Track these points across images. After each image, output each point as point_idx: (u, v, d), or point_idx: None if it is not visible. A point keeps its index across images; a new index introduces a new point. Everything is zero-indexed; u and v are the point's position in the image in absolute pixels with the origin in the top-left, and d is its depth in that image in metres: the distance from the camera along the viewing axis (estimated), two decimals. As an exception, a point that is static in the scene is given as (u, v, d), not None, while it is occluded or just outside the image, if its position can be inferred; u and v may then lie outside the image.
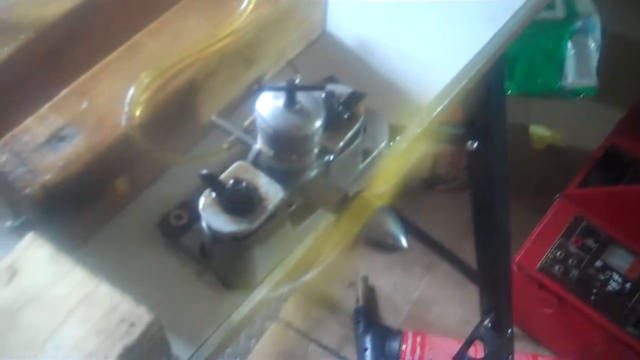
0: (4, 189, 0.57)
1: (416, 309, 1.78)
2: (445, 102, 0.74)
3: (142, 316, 0.49)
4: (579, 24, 1.77)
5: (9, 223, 0.59)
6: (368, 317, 1.70)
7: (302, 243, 0.64)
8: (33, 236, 0.52)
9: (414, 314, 1.77)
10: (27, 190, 0.53)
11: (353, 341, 1.69)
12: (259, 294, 0.62)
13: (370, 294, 1.77)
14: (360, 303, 1.72)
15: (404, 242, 0.59)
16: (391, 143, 0.69)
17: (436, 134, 0.79)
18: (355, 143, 0.63)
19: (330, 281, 1.74)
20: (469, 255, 1.46)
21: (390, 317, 1.76)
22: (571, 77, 1.79)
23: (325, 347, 1.70)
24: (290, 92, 0.54)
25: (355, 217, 0.58)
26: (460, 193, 1.86)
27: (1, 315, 0.49)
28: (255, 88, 0.55)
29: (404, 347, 1.62)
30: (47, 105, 0.57)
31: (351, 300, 1.75)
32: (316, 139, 0.57)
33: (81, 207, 0.59)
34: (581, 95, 1.86)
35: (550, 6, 1.73)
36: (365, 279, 1.77)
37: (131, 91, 0.57)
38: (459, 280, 1.70)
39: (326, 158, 0.60)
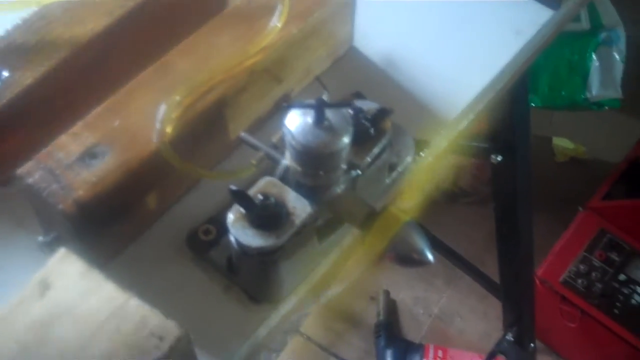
0: (37, 205, 0.58)
1: (437, 322, 1.77)
2: (471, 117, 0.74)
3: (171, 330, 0.49)
4: (603, 35, 1.75)
5: (40, 238, 0.60)
6: (389, 331, 1.69)
7: (327, 257, 0.65)
8: (65, 251, 0.52)
9: (436, 327, 1.76)
10: (60, 206, 0.54)
11: (374, 355, 1.68)
12: (285, 308, 0.62)
13: (391, 308, 1.76)
14: (382, 317, 1.71)
15: (430, 256, 0.59)
16: (416, 157, 0.69)
17: (460, 147, 0.79)
18: (382, 158, 0.63)
19: (351, 295, 1.73)
20: (491, 268, 1.45)
21: (411, 331, 1.75)
22: (595, 89, 1.77)
23: (345, 361, 1.70)
24: (320, 109, 0.54)
25: (382, 232, 0.59)
26: (483, 206, 1.85)
27: (34, 328, 0.49)
28: (284, 105, 0.56)
29: (425, 361, 1.61)
30: (80, 123, 0.58)
31: (372, 314, 1.74)
32: (344, 155, 0.57)
33: (112, 223, 0.59)
34: (605, 108, 1.85)
35: (575, 18, 1.72)
36: (386, 293, 1.76)
37: (162, 109, 0.58)
38: (480, 293, 1.68)
39: (353, 173, 0.61)
